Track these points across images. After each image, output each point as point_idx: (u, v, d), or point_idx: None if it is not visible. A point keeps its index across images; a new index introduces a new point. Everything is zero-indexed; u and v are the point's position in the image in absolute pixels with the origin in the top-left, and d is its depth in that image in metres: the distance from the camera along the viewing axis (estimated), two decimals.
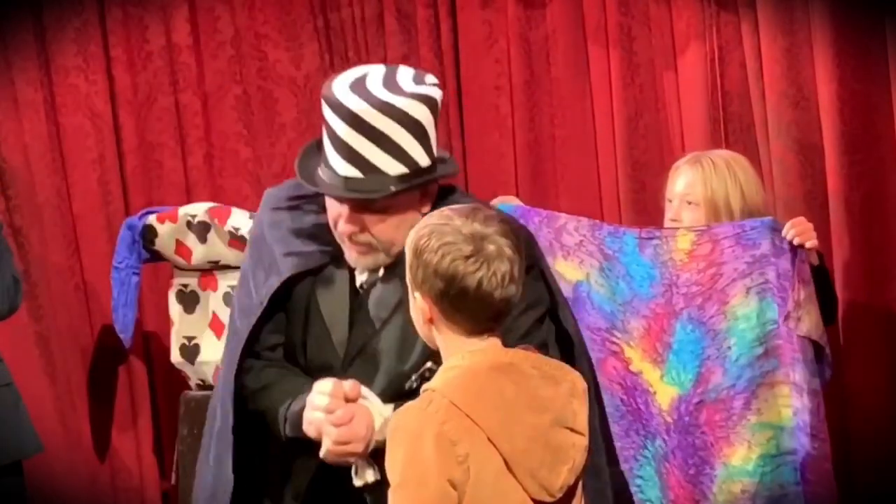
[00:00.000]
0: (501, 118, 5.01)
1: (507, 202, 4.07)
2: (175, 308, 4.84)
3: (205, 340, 4.79)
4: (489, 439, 2.54)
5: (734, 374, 3.75)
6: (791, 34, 4.53)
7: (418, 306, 2.67)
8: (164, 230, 4.74)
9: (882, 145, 4.47)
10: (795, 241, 3.75)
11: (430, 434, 2.51)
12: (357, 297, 3.09)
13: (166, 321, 4.88)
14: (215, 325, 4.77)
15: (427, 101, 2.99)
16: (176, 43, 5.11)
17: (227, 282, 4.73)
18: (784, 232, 3.79)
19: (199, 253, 4.73)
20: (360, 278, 3.09)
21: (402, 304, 2.92)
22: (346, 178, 2.99)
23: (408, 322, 2.86)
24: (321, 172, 3.06)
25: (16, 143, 4.98)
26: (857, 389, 4.48)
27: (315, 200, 3.15)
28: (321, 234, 3.12)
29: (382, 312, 3.05)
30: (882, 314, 4.48)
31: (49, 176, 5.04)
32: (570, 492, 2.65)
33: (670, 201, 4.06)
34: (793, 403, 3.72)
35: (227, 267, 4.74)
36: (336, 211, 3.03)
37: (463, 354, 2.63)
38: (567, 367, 2.75)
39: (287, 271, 3.08)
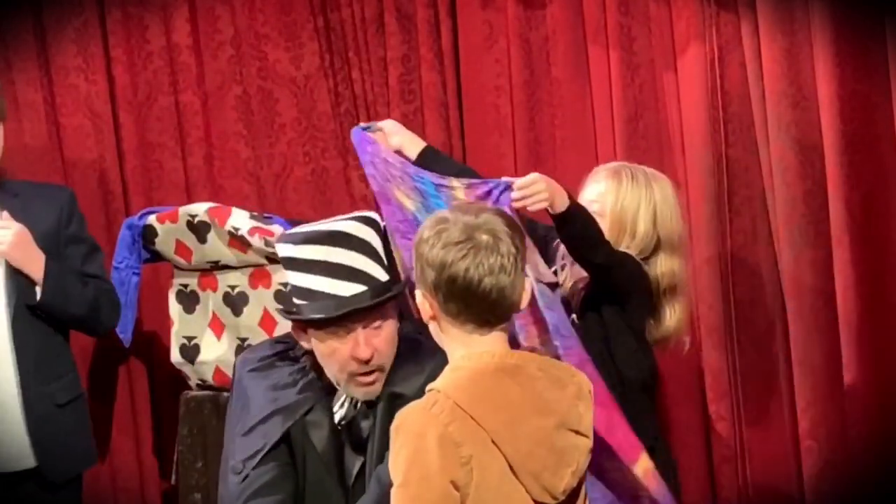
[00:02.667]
0: (501, 118, 5.00)
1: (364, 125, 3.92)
2: (175, 308, 4.84)
3: (205, 340, 4.79)
4: (493, 441, 2.54)
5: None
6: (791, 34, 4.52)
7: (420, 302, 2.68)
8: (164, 230, 4.74)
9: (882, 145, 4.47)
10: (516, 206, 3.48)
11: (433, 435, 2.51)
12: (338, 433, 3.40)
13: (166, 321, 4.88)
14: (215, 325, 4.77)
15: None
16: (176, 43, 5.11)
17: (226, 282, 4.73)
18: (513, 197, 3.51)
19: (199, 253, 4.73)
20: (338, 415, 3.41)
21: (373, 431, 3.32)
22: (354, 296, 3.27)
23: (383, 446, 3.21)
24: (314, 313, 3.30)
25: (16, 143, 4.98)
26: (857, 389, 4.48)
27: (285, 356, 3.50)
28: (297, 383, 3.44)
29: (361, 443, 3.37)
30: (882, 314, 4.48)
31: (49, 176, 5.04)
32: (573, 494, 2.65)
33: None
34: None
35: (227, 267, 4.74)
36: (348, 346, 3.30)
37: (469, 355, 2.62)
38: (573, 368, 2.75)
39: (277, 432, 3.40)
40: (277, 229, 4.60)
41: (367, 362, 3.29)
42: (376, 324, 3.30)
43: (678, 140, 4.81)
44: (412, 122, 5.05)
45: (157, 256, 4.82)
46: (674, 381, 4.81)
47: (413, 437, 2.53)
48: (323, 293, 3.27)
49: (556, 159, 4.96)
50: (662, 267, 3.92)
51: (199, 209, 4.73)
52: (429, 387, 2.61)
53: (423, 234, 2.63)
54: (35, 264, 4.23)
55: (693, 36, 4.72)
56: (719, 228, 4.71)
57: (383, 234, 3.40)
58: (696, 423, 4.81)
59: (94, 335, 4.63)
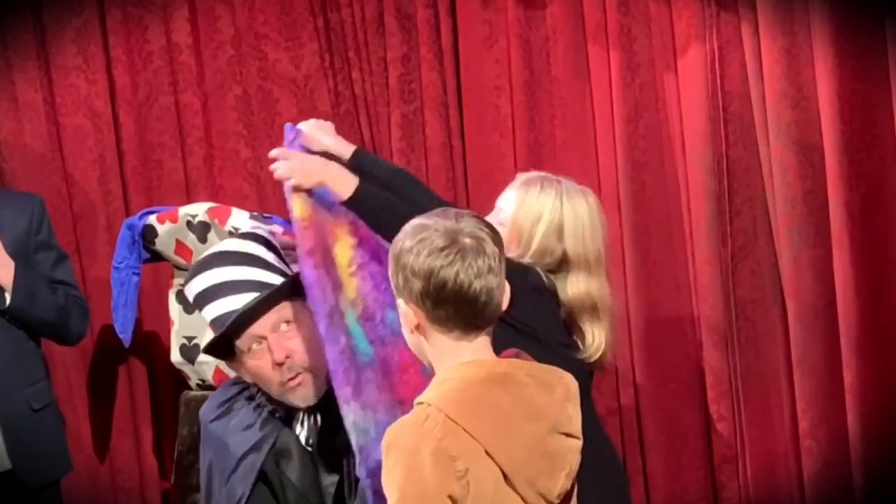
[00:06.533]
0: (501, 118, 5.00)
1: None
2: (175, 308, 4.84)
3: (205, 340, 4.76)
4: (487, 452, 2.53)
5: None
6: (791, 34, 4.52)
7: (403, 313, 2.65)
8: (164, 230, 4.74)
9: (882, 145, 4.46)
10: None
11: (427, 450, 2.49)
12: (309, 456, 3.40)
13: (166, 321, 4.88)
14: None
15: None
16: (176, 43, 5.11)
17: None
18: None
19: (199, 253, 4.73)
20: (303, 436, 3.41)
21: (346, 451, 3.30)
22: (246, 304, 3.32)
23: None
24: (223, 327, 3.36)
25: (16, 143, 4.99)
26: (857, 389, 4.47)
27: (240, 396, 3.50)
28: (258, 418, 3.44)
29: (335, 462, 3.36)
30: (882, 314, 4.48)
31: (49, 176, 5.04)
32: (566, 496, 2.64)
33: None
34: None
35: None
36: (265, 353, 3.33)
37: (457, 366, 2.60)
38: (560, 370, 2.72)
39: (252, 475, 3.39)
40: (277, 229, 4.60)
41: (281, 364, 3.32)
42: (283, 327, 3.34)
43: (678, 140, 4.81)
44: (412, 122, 5.06)
45: (157, 256, 4.82)
46: (674, 381, 4.82)
47: (406, 453, 2.50)
48: (225, 314, 3.33)
49: (556, 159, 4.96)
50: (575, 287, 3.71)
51: (199, 209, 4.73)
52: (418, 400, 2.59)
53: (405, 245, 2.61)
54: (4, 269, 4.25)
55: (693, 36, 4.72)
56: (719, 228, 4.71)
57: (269, 244, 3.44)
58: (696, 423, 4.81)
59: (63, 343, 4.58)
